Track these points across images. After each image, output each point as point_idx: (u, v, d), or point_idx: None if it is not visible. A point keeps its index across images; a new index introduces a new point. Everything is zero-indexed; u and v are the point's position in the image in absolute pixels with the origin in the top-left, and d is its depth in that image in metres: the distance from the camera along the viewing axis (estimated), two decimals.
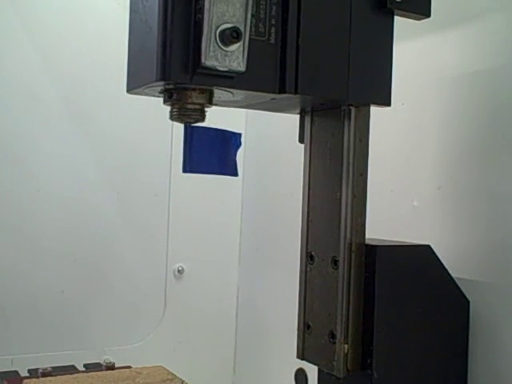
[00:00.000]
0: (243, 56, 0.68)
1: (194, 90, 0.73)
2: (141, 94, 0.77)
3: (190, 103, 0.74)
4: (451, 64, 1.01)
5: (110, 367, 1.10)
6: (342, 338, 0.83)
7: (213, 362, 1.56)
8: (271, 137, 1.49)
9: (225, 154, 0.79)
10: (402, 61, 0.89)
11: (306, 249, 0.91)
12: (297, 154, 0.94)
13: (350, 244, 0.84)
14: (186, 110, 0.75)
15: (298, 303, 0.92)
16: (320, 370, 0.90)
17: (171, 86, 0.73)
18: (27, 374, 1.08)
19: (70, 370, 1.11)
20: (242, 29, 0.67)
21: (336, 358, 0.84)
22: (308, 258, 0.90)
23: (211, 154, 0.78)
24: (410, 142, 1.08)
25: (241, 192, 1.60)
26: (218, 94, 0.75)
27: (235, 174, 0.81)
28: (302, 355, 0.91)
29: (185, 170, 0.77)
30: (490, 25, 0.95)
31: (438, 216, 1.02)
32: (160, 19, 0.68)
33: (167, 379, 1.03)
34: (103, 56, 1.39)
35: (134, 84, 0.75)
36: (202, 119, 0.76)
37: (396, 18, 0.83)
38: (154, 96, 0.77)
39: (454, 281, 0.91)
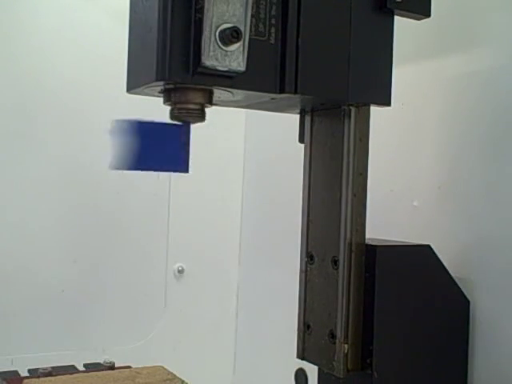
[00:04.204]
0: (243, 56, 0.68)
1: (194, 89, 0.73)
2: (141, 94, 0.77)
3: (189, 103, 0.74)
4: (451, 64, 1.01)
5: (110, 367, 1.10)
6: (342, 338, 0.83)
7: (213, 362, 1.56)
8: (271, 137, 1.49)
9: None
10: (402, 61, 0.89)
11: (306, 249, 0.91)
12: (297, 154, 0.94)
13: (350, 244, 0.84)
14: (186, 110, 0.75)
15: (298, 303, 0.92)
16: (320, 369, 0.90)
17: (171, 86, 0.73)
18: (27, 374, 1.08)
19: (70, 370, 1.10)
20: (241, 29, 0.67)
21: (336, 358, 0.84)
22: (308, 258, 0.90)
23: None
24: (410, 141, 1.08)
25: (241, 192, 1.60)
26: (218, 93, 0.75)
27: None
28: (302, 355, 0.91)
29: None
30: (490, 25, 0.95)
31: (437, 216, 1.02)
32: (160, 19, 0.68)
33: (167, 379, 1.03)
34: (103, 55, 1.39)
35: (134, 84, 0.75)
36: (202, 119, 0.76)
37: (396, 18, 0.83)
38: (153, 96, 0.77)
39: (454, 281, 0.91)
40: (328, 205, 0.87)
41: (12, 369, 1.13)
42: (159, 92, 0.75)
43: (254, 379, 1.54)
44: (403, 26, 0.85)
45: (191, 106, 0.74)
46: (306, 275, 0.91)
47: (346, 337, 0.84)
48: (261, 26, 0.73)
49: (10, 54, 1.34)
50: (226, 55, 0.67)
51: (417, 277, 0.88)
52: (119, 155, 0.74)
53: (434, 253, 0.89)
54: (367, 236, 0.86)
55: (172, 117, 0.76)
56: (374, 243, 0.86)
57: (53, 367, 1.06)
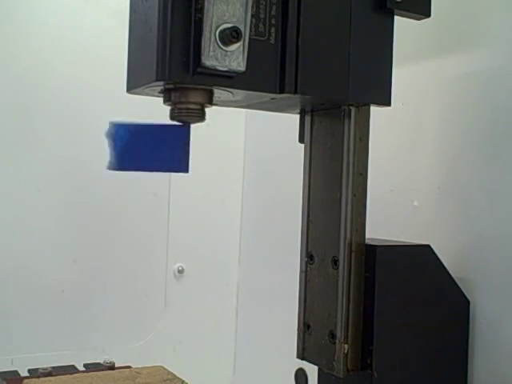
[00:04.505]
0: (243, 56, 0.68)
1: (194, 89, 0.73)
2: (141, 94, 0.77)
3: (189, 103, 0.74)
4: (451, 64, 1.01)
5: (110, 367, 1.10)
6: (342, 337, 0.83)
7: (213, 362, 1.56)
8: (271, 137, 1.49)
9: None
10: (402, 61, 0.89)
11: (306, 249, 0.91)
12: (297, 154, 0.94)
13: (350, 244, 0.84)
14: (186, 110, 0.75)
15: (298, 303, 0.92)
16: (320, 369, 0.90)
17: (171, 86, 0.73)
18: (27, 374, 1.08)
19: (70, 370, 1.10)
20: (241, 29, 0.67)
21: (336, 358, 0.84)
22: (308, 257, 0.90)
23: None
24: (410, 141, 1.08)
25: (241, 192, 1.60)
26: (218, 93, 0.75)
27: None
28: (302, 355, 0.91)
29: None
30: (490, 25, 0.95)
31: (437, 216, 1.02)
32: (160, 19, 0.68)
33: (167, 379, 1.03)
34: (103, 55, 1.39)
35: (134, 84, 0.75)
36: (202, 119, 0.76)
37: (396, 18, 0.83)
38: (153, 96, 0.77)
39: (454, 281, 0.91)
40: (328, 205, 0.87)
41: (12, 369, 1.13)
42: (159, 92, 0.75)
43: (254, 379, 1.54)
44: (403, 26, 0.85)
45: (191, 106, 0.74)
46: (306, 275, 0.91)
47: (346, 337, 0.84)
48: (261, 26, 0.73)
49: (10, 54, 1.34)
50: (226, 55, 0.67)
51: (417, 277, 0.88)
52: (117, 156, 0.74)
53: (433, 253, 0.89)
54: (367, 236, 0.86)
55: (172, 117, 0.76)
56: (374, 243, 0.86)
57: (53, 367, 1.06)
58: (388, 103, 0.83)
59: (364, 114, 0.85)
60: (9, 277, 1.34)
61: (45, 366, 1.06)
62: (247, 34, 0.68)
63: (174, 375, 1.05)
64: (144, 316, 1.50)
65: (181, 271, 1.53)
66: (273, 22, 0.74)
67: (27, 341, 1.35)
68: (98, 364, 1.15)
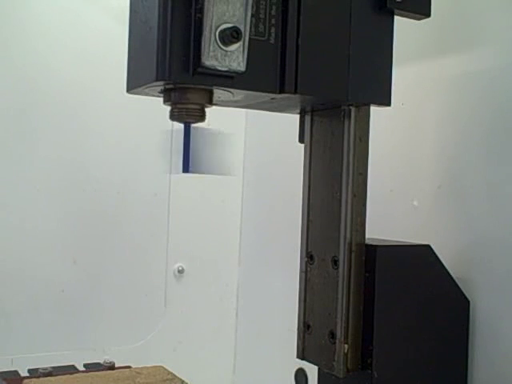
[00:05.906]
0: (243, 56, 0.68)
1: (194, 89, 0.73)
2: (141, 94, 0.77)
3: (189, 103, 0.74)
4: (451, 64, 1.01)
5: (110, 367, 1.10)
6: (342, 337, 0.83)
7: (213, 362, 1.56)
8: (271, 137, 1.49)
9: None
10: (402, 61, 0.89)
11: (306, 249, 0.91)
12: (297, 153, 0.94)
13: (350, 244, 0.84)
14: (186, 110, 0.75)
15: (298, 303, 0.92)
16: (320, 369, 0.90)
17: (171, 86, 0.73)
18: (27, 374, 1.08)
19: (70, 370, 1.10)
20: (241, 29, 0.68)
21: (336, 358, 0.84)
22: (308, 257, 0.90)
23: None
24: (409, 141, 1.08)
25: (241, 192, 1.60)
26: (218, 93, 0.75)
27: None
28: (302, 355, 0.91)
29: (185, 170, 0.77)
30: (490, 25, 0.95)
31: (438, 216, 1.02)
32: (160, 19, 0.68)
33: (167, 379, 1.03)
34: (103, 56, 1.39)
35: (134, 84, 0.75)
36: (202, 119, 0.76)
37: (396, 18, 0.83)
38: (153, 96, 0.77)
39: (454, 281, 0.91)
40: (328, 205, 0.87)
41: (12, 369, 1.13)
42: (159, 92, 0.75)
43: (254, 379, 1.54)
44: (403, 26, 0.85)
45: (191, 106, 0.74)
46: (306, 275, 0.91)
47: (346, 337, 0.84)
48: (261, 26, 0.73)
49: (10, 54, 1.34)
50: (225, 55, 0.67)
51: (417, 277, 0.88)
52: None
53: (433, 253, 0.89)
54: (367, 236, 0.86)
55: (172, 117, 0.76)
56: (374, 243, 0.86)
57: (53, 367, 1.06)
58: (388, 103, 0.83)
59: (364, 113, 0.85)
60: (9, 277, 1.34)
61: (45, 366, 1.06)
62: (247, 34, 0.68)
63: (174, 375, 1.05)
64: (144, 316, 1.50)
65: (181, 271, 1.53)
66: (273, 21, 0.74)
67: (27, 341, 1.35)
68: (98, 364, 1.14)
